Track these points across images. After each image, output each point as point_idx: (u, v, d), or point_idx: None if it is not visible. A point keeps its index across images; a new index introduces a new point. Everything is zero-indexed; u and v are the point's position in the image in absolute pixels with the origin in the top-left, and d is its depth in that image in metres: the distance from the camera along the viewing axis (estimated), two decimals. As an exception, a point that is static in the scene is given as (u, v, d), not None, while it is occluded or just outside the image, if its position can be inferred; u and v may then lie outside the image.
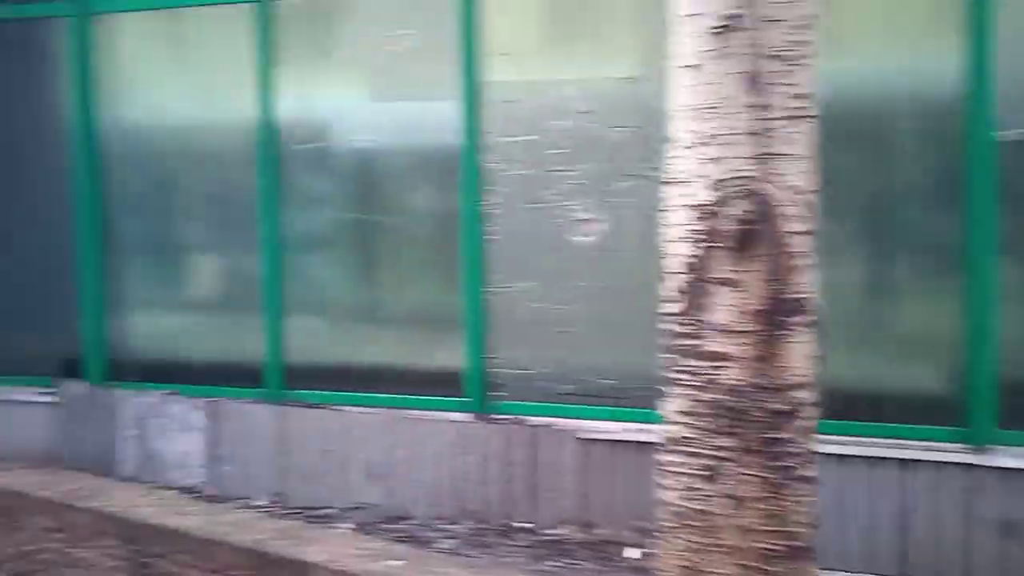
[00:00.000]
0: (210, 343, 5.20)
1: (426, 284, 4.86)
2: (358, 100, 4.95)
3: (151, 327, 5.34)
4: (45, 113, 5.52)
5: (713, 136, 2.29)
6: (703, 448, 2.33)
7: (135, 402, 5.12)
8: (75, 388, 5.29)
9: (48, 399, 5.33)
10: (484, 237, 4.52)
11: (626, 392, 4.26)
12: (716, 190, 2.28)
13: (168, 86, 5.24)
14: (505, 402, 4.50)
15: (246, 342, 5.05)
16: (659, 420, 2.44)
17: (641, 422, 4.09)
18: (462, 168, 4.56)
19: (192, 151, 5.18)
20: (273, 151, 4.90)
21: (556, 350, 4.43)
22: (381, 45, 4.77)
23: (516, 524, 4.28)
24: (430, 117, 4.77)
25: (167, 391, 5.08)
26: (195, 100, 5.17)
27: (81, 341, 5.35)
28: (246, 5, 4.91)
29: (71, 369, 5.37)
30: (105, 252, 5.30)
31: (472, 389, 4.56)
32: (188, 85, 5.18)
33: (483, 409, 4.52)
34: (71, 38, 5.27)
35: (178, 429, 5.02)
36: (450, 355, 4.65)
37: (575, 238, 4.37)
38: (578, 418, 4.32)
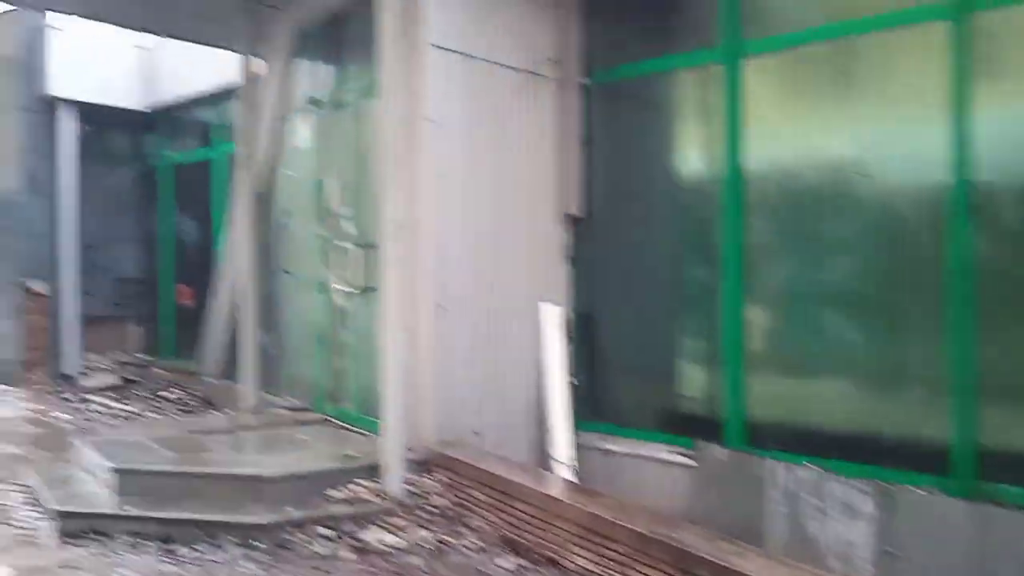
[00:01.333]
0: (874, 416, 4.51)
1: None
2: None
3: (796, 390, 4.85)
4: (676, 162, 5.46)
5: None
6: None
7: (784, 475, 4.64)
8: (714, 452, 5.00)
9: (682, 459, 5.12)
10: None
11: None
12: None
13: (818, 122, 4.75)
14: None
15: (924, 419, 4.27)
16: None
17: None
18: None
19: (850, 191, 4.57)
20: (969, 188, 4.07)
21: None
22: None
23: None
24: None
25: (823, 467, 4.51)
26: (855, 135, 4.58)
27: (720, 402, 5.07)
28: (937, 24, 4.19)
29: (706, 430, 5.12)
30: (744, 302, 4.96)
31: None
32: (850, 120, 4.61)
33: None
34: (723, 84, 5.05)
35: (839, 513, 4.41)
36: None
37: None
38: None
